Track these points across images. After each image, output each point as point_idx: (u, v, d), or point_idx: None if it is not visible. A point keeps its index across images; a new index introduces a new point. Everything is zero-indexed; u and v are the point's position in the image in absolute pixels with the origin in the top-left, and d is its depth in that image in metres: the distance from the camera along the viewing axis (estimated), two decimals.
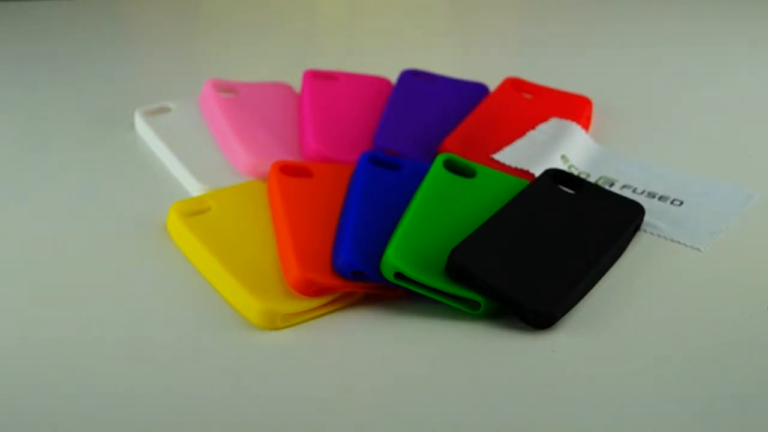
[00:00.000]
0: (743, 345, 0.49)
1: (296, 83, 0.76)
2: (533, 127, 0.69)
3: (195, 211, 0.58)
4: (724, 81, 0.86)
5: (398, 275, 0.50)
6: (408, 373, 0.47)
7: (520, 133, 0.68)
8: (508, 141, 0.67)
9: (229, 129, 0.67)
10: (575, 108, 0.72)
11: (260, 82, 0.76)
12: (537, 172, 0.62)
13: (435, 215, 0.55)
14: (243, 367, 0.47)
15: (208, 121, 0.71)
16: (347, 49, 0.98)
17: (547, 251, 0.53)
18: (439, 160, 0.61)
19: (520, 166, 0.64)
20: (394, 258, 0.50)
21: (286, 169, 0.61)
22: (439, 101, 0.74)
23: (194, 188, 0.63)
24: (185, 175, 0.64)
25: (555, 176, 0.60)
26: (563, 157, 0.65)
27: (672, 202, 0.62)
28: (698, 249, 0.57)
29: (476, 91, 0.76)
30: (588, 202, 0.59)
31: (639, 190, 0.63)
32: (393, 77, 0.77)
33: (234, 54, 0.93)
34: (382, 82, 0.77)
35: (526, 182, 0.60)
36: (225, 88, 0.73)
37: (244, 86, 0.74)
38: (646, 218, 0.59)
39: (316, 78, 0.76)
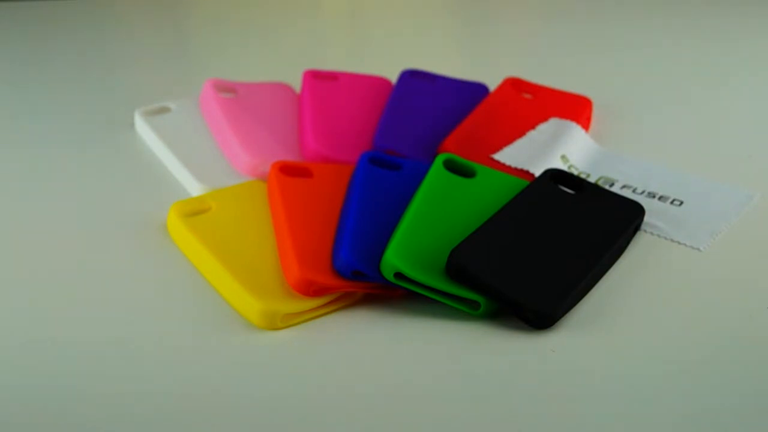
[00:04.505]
0: (743, 345, 0.49)
1: (296, 83, 0.76)
2: (533, 127, 0.69)
3: (195, 211, 0.58)
4: (723, 81, 0.86)
5: (398, 275, 0.50)
6: (408, 373, 0.47)
7: (520, 133, 0.68)
8: (508, 141, 0.67)
9: (228, 129, 0.67)
10: (575, 108, 0.72)
11: (260, 82, 0.76)
12: (537, 172, 0.62)
13: (435, 215, 0.55)
14: (243, 367, 0.47)
15: (208, 121, 0.71)
16: (347, 49, 0.98)
17: (547, 251, 0.53)
18: (439, 160, 0.61)
19: (520, 166, 0.64)
20: (394, 258, 0.50)
21: (286, 169, 0.61)
22: (439, 101, 0.74)
23: (194, 188, 0.63)
24: (185, 175, 0.64)
25: (555, 176, 0.60)
26: (563, 157, 0.65)
27: (672, 202, 0.62)
28: (698, 249, 0.57)
29: (476, 91, 0.76)
30: (588, 202, 0.59)
31: (639, 190, 0.63)
32: (393, 77, 0.77)
33: (234, 54, 0.93)
34: (382, 82, 0.77)
35: (526, 182, 0.60)
36: (225, 88, 0.73)
37: (244, 86, 0.74)
38: (646, 218, 0.59)
39: (316, 78, 0.76)
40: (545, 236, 0.54)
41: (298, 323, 0.51)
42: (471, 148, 0.65)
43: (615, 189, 0.63)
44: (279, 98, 0.74)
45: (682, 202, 0.62)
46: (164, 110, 0.73)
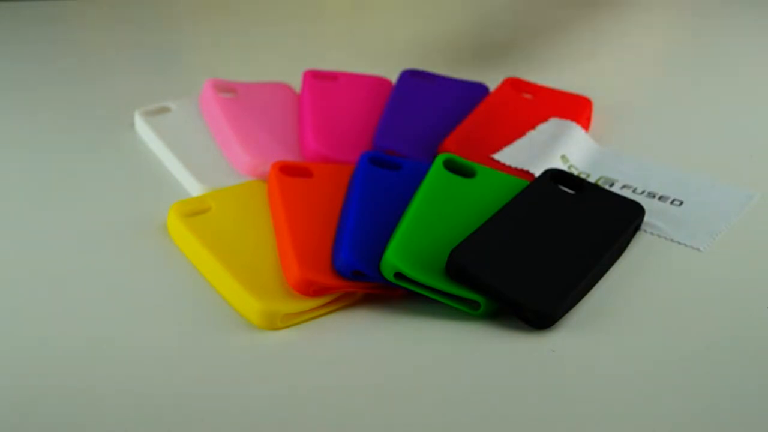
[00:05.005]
0: (743, 345, 0.49)
1: (296, 83, 0.76)
2: (533, 127, 0.69)
3: (195, 211, 0.58)
4: (724, 81, 0.86)
5: (398, 275, 0.50)
6: (408, 373, 0.47)
7: (520, 133, 0.68)
8: (508, 141, 0.67)
9: (229, 129, 0.67)
10: (575, 108, 0.72)
11: (260, 82, 0.76)
12: (537, 172, 0.62)
13: (435, 215, 0.55)
14: (243, 367, 0.48)
15: (208, 121, 0.71)
16: (347, 49, 0.98)
17: (547, 251, 0.53)
18: (439, 160, 0.61)
19: (520, 166, 0.64)
20: (394, 258, 0.50)
21: (286, 169, 0.61)
22: (439, 101, 0.74)
23: (194, 188, 0.63)
24: (185, 175, 0.64)
25: (555, 176, 0.60)
26: (563, 157, 0.65)
27: (672, 202, 0.62)
28: (698, 249, 0.57)
29: (476, 91, 0.76)
30: (588, 202, 0.59)
31: (639, 190, 0.63)
32: (393, 77, 0.77)
33: (234, 54, 0.93)
34: (382, 82, 0.77)
35: (526, 182, 0.60)
36: (225, 88, 0.73)
37: (244, 86, 0.74)
38: (646, 218, 0.59)
39: (316, 78, 0.76)
40: (545, 236, 0.54)
41: (298, 323, 0.51)
42: (471, 148, 0.65)
43: (615, 189, 0.63)
44: (279, 98, 0.74)
45: (682, 202, 0.62)
46: (164, 110, 0.73)
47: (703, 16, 1.05)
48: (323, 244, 0.54)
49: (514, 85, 0.76)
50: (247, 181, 0.62)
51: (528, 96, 0.75)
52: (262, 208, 0.59)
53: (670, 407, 0.44)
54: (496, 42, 0.99)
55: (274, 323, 0.50)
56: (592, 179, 0.65)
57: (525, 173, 0.63)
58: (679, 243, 0.58)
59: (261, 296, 0.50)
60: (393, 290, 0.52)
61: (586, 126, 0.72)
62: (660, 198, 0.62)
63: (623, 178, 0.65)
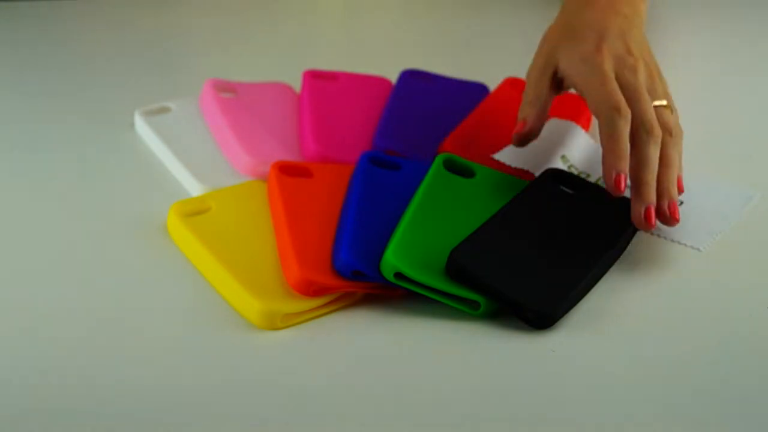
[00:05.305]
0: (743, 345, 0.49)
1: (296, 83, 0.76)
2: None
3: (195, 212, 0.58)
4: (723, 80, 0.86)
5: (398, 275, 0.50)
6: (408, 373, 0.47)
7: None
8: (508, 141, 0.67)
9: (228, 129, 0.67)
10: (575, 108, 0.72)
11: (260, 82, 0.75)
12: (537, 172, 0.62)
13: (435, 215, 0.55)
14: (243, 367, 0.48)
15: (208, 121, 0.71)
16: (347, 49, 0.98)
17: (547, 251, 0.53)
18: (439, 160, 0.61)
19: (520, 166, 0.64)
20: (394, 258, 0.50)
21: (286, 169, 0.61)
22: (439, 101, 0.74)
23: (194, 188, 0.63)
24: (185, 175, 0.64)
25: (555, 176, 0.60)
26: (563, 157, 0.65)
27: None
28: (698, 249, 0.57)
29: (476, 91, 0.76)
30: (588, 202, 0.58)
31: None
32: (393, 77, 0.77)
33: (234, 54, 0.93)
34: (382, 82, 0.77)
35: (526, 182, 0.60)
36: (225, 88, 0.73)
37: (244, 86, 0.74)
38: None
39: (316, 78, 0.75)
40: (545, 236, 0.54)
41: (298, 323, 0.51)
42: (471, 148, 0.65)
43: None
44: (279, 98, 0.74)
45: (681, 202, 0.62)
46: (164, 110, 0.72)
47: (702, 16, 1.04)
48: (323, 244, 0.54)
49: (514, 85, 0.76)
50: (247, 181, 0.62)
51: None
52: (262, 208, 0.59)
53: (670, 407, 0.44)
54: (496, 42, 0.99)
55: (274, 323, 0.50)
56: (592, 179, 0.64)
57: (525, 173, 0.63)
58: (679, 243, 0.58)
59: (261, 296, 0.50)
60: (393, 290, 0.52)
61: (586, 126, 0.71)
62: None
63: None
